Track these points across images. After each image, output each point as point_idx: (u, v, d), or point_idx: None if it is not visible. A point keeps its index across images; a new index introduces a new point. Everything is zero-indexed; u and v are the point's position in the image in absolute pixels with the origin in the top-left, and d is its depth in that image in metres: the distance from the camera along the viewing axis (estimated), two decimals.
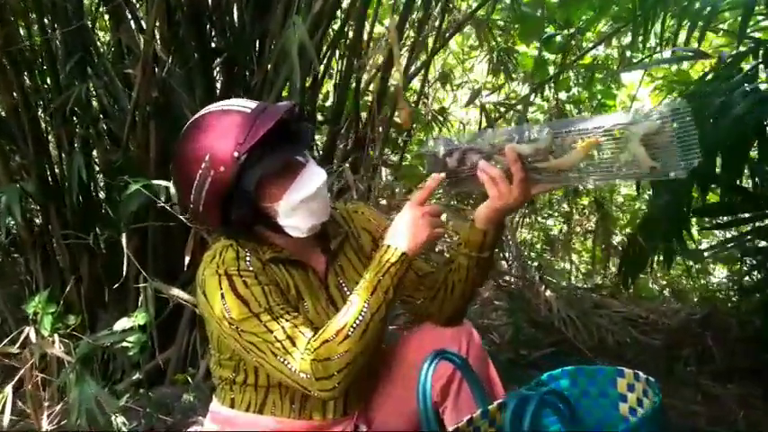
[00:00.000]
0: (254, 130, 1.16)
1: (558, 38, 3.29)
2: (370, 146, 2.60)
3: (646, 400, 1.17)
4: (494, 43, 3.33)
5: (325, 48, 2.67)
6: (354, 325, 1.15)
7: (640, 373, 1.21)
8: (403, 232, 1.21)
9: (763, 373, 2.37)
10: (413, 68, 3.03)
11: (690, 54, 2.60)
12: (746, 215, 2.56)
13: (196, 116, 1.27)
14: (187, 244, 1.97)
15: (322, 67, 2.58)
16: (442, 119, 3.64)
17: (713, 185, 2.56)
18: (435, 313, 1.36)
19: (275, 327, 1.15)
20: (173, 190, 1.80)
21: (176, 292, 2.02)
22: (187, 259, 1.95)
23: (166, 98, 2.22)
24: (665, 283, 4.18)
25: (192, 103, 2.15)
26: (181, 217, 1.87)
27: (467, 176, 1.27)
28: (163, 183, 1.89)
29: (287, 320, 1.16)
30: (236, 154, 1.15)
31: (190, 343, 2.24)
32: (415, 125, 3.44)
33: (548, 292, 2.95)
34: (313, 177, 1.24)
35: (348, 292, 1.30)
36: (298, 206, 1.22)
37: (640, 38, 2.44)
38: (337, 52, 2.83)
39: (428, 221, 1.21)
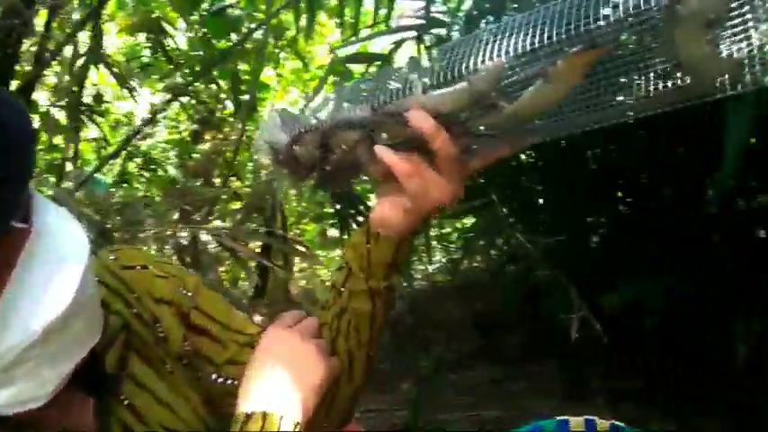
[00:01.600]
0: None
1: None
2: None
3: None
4: None
5: None
6: None
7: (596, 419, 0.94)
8: (286, 378, 0.63)
9: None
10: None
11: None
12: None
13: None
14: None
15: None
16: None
17: None
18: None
19: None
20: None
21: None
22: None
23: None
24: None
25: None
26: None
27: (342, 168, 0.71)
28: None
29: None
30: None
31: None
32: None
33: None
34: (47, 273, 0.53)
35: None
36: (14, 361, 0.52)
37: None
38: None
39: (315, 344, 0.68)
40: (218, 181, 3.16)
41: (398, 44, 2.37)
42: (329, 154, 0.69)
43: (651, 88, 0.57)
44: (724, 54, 0.52)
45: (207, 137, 3.61)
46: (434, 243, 3.34)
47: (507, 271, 2.59)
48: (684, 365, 1.81)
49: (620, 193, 2.57)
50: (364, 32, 2.48)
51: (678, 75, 0.54)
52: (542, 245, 2.01)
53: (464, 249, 3.25)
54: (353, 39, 2.49)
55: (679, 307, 1.74)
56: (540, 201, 2.60)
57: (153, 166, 2.66)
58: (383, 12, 2.30)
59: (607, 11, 0.50)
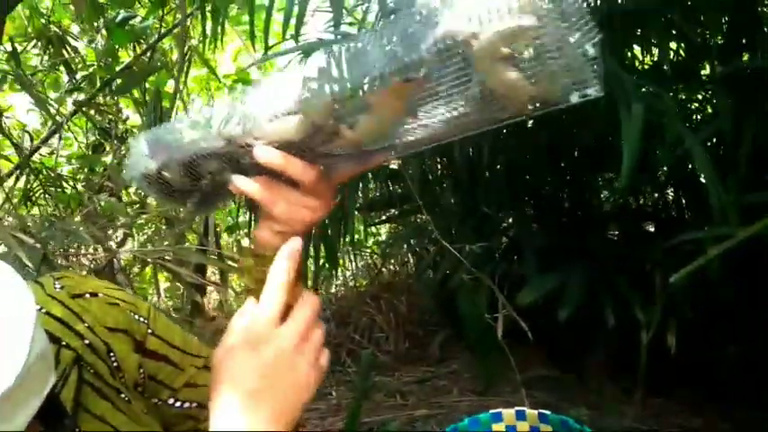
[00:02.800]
0: None
1: None
2: None
3: None
4: None
5: None
6: None
7: (526, 410, 1.01)
8: (262, 392, 0.58)
9: None
10: None
11: None
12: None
13: None
14: None
15: None
16: None
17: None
18: None
19: None
20: None
21: None
22: None
23: None
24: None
25: None
26: None
27: (214, 192, 0.71)
28: None
29: None
30: None
31: None
32: None
33: None
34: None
35: None
36: None
37: None
38: None
39: (310, 352, 0.61)
40: (125, 196, 3.05)
41: (306, 55, 2.41)
42: (197, 181, 0.68)
43: (468, 110, 0.59)
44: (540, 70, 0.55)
45: (107, 148, 3.47)
46: (350, 249, 3.37)
47: (427, 274, 2.67)
48: (595, 352, 1.96)
49: (525, 197, 2.72)
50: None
51: (492, 98, 0.58)
52: (461, 249, 2.10)
53: (382, 254, 3.32)
54: (261, 55, 2.49)
55: (588, 298, 1.88)
56: (453, 203, 2.70)
57: (59, 183, 2.53)
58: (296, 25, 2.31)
59: (424, 45, 0.55)
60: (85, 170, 2.98)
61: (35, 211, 2.49)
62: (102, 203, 2.85)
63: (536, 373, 2.14)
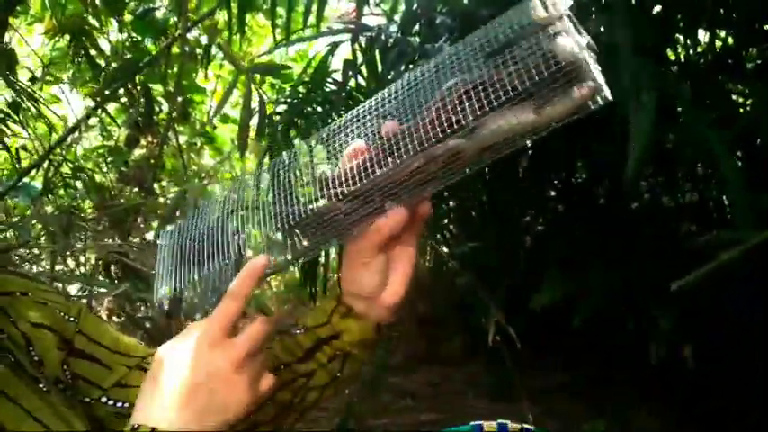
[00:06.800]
0: None
1: None
2: None
3: None
4: None
5: None
6: None
7: (507, 424, 0.94)
8: (191, 398, 0.57)
9: None
10: None
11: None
12: None
13: None
14: None
15: None
16: None
17: None
18: None
19: None
20: None
21: None
22: None
23: None
24: None
25: None
26: None
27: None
28: None
29: None
30: None
31: None
32: None
33: None
34: None
35: None
36: None
37: None
38: None
39: (249, 374, 0.59)
40: (158, 187, 3.09)
41: (334, 46, 2.36)
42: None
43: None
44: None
45: (143, 142, 3.52)
46: None
47: (445, 275, 2.61)
48: (610, 360, 1.86)
49: (552, 192, 2.62)
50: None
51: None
52: (478, 248, 2.03)
53: None
54: (283, 42, 2.46)
55: (608, 303, 1.78)
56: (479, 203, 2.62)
57: (81, 175, 2.57)
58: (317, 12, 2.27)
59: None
60: (110, 163, 3.01)
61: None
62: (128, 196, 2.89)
63: (557, 380, 2.06)
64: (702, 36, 1.98)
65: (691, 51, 2.03)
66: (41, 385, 0.64)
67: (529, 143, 0.59)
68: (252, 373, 0.59)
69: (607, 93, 0.54)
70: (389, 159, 0.57)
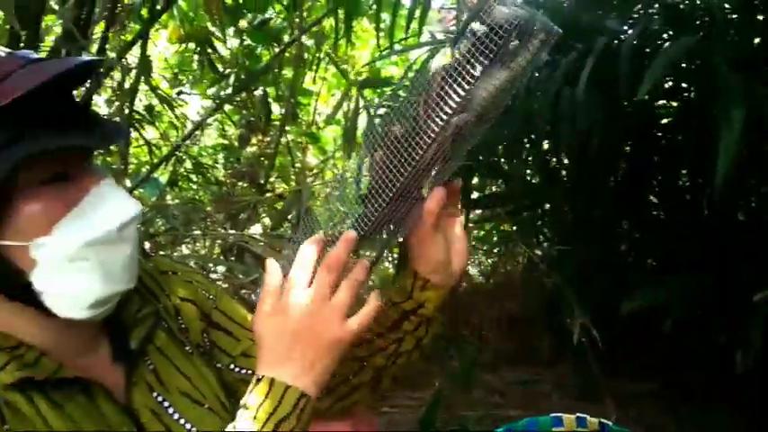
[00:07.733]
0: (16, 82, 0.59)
1: None
2: None
3: None
4: None
5: None
6: None
7: (587, 417, 1.01)
8: (292, 348, 0.65)
9: None
10: None
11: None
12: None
13: None
14: None
15: None
16: None
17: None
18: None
19: None
20: None
21: None
22: None
23: None
24: None
25: None
26: None
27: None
28: None
29: None
30: None
31: None
32: None
33: None
34: (112, 204, 0.66)
35: (179, 420, 0.73)
36: (78, 254, 0.64)
37: None
38: None
39: (340, 311, 0.66)
40: (269, 185, 3.33)
41: (435, 51, 2.45)
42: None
43: None
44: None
45: (253, 141, 3.79)
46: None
47: (536, 276, 2.63)
48: (699, 368, 1.83)
49: (652, 198, 2.58)
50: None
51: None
52: (569, 252, 2.06)
53: (503, 253, 3.30)
54: (387, 51, 2.58)
55: (700, 310, 1.77)
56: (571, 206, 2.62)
57: (202, 170, 2.84)
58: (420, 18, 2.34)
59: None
60: (228, 159, 3.27)
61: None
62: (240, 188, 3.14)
63: (647, 387, 2.05)
64: None
65: None
66: (187, 348, 0.80)
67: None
68: (333, 310, 0.65)
69: (556, 28, 0.64)
70: (409, 158, 0.68)
